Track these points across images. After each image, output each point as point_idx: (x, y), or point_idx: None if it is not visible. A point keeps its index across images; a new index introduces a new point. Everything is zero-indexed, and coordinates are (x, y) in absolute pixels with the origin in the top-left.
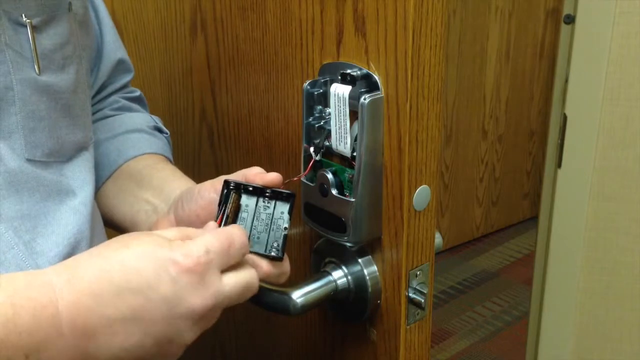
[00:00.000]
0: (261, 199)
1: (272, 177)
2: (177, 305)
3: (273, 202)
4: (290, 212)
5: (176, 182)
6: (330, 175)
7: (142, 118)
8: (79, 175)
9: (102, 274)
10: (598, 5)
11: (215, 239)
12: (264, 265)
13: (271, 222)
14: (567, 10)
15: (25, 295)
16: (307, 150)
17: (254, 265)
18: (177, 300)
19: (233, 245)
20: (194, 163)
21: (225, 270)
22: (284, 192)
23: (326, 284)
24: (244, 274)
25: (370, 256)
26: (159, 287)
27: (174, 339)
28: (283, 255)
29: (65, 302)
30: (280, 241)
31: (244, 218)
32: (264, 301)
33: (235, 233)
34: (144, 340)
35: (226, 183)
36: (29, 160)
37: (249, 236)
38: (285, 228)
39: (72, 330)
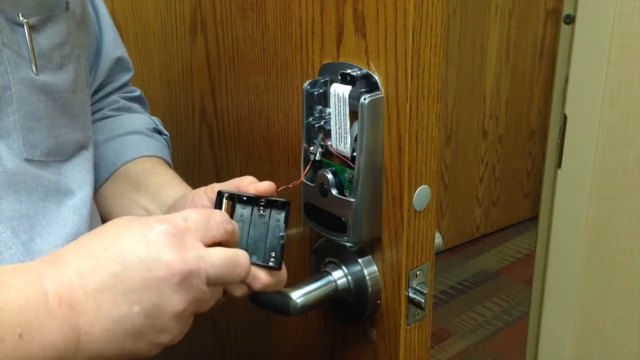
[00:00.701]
0: (256, 209)
1: (265, 187)
2: (154, 265)
3: (268, 210)
4: (286, 221)
5: (173, 188)
6: (330, 175)
7: (141, 119)
8: (78, 175)
9: (81, 248)
10: (598, 5)
11: (193, 211)
12: (263, 276)
13: (267, 231)
14: (567, 10)
15: (13, 277)
16: (307, 150)
17: (252, 277)
18: (155, 261)
19: (213, 218)
20: (194, 163)
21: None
22: (279, 201)
23: (326, 284)
24: (230, 250)
25: (370, 256)
26: (135, 250)
27: (161, 304)
28: (281, 264)
29: (49, 279)
30: (278, 250)
31: (239, 228)
32: (264, 301)
33: (214, 211)
34: (131, 308)
35: (219, 194)
36: (27, 160)
37: (246, 246)
38: (282, 236)
39: (60, 306)
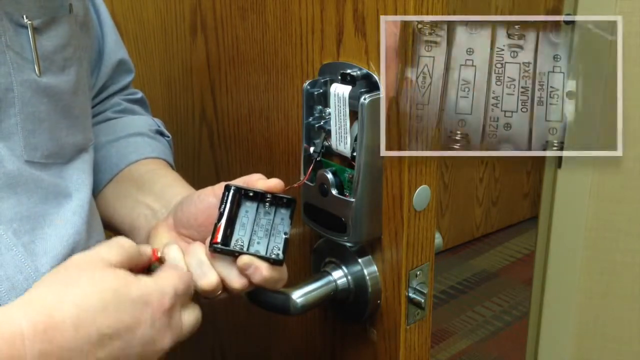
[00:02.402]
0: (261, 205)
1: (274, 183)
2: (152, 345)
3: (273, 207)
4: (291, 218)
5: (178, 188)
6: (330, 175)
7: (144, 121)
8: (77, 178)
9: (80, 321)
10: (598, 5)
11: (180, 280)
12: (264, 269)
13: (271, 228)
14: (567, 10)
15: None
16: (307, 150)
17: (254, 268)
18: (153, 342)
19: (189, 287)
20: (194, 163)
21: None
22: (285, 198)
23: (326, 284)
24: (195, 311)
25: (370, 256)
26: (138, 330)
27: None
28: (284, 258)
29: (34, 355)
30: (281, 245)
31: (244, 223)
32: (264, 301)
33: (188, 275)
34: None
35: (226, 188)
36: (27, 162)
37: (249, 241)
38: (286, 233)
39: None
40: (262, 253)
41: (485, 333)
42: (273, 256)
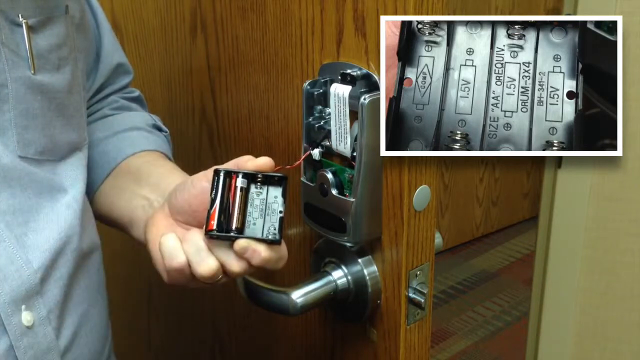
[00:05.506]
0: (253, 185)
1: (263, 162)
2: None
3: (265, 187)
4: (284, 195)
5: (173, 177)
6: (330, 175)
7: (141, 117)
8: (71, 174)
9: None
10: (598, 5)
11: None
12: (262, 250)
13: (266, 207)
14: (567, 10)
15: None
16: (307, 150)
17: (252, 251)
18: None
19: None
20: (194, 163)
21: None
22: (276, 176)
23: (326, 284)
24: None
25: (370, 256)
26: None
27: None
28: (281, 238)
29: None
30: (277, 224)
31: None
32: (263, 301)
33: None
34: None
35: (216, 171)
36: (21, 157)
37: (244, 224)
38: (281, 211)
39: None
40: (259, 235)
41: (485, 333)
42: (270, 237)
